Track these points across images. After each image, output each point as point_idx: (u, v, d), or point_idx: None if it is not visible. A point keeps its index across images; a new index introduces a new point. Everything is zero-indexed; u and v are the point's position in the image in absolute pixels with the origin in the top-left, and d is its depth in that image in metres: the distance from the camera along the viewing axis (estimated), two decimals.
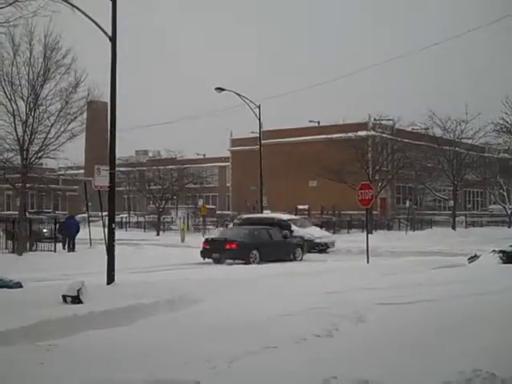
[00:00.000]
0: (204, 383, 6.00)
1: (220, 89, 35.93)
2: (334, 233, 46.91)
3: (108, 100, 13.65)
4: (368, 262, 20.67)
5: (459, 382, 5.83)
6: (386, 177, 47.83)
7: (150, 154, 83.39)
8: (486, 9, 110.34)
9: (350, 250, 30.14)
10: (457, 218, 48.57)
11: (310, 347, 7.53)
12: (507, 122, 39.79)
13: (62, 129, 25.51)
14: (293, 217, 34.28)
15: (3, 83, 24.58)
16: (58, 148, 26.05)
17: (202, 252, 24.01)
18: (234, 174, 66.15)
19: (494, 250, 19.98)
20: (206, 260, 23.65)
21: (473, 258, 20.03)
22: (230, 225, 46.36)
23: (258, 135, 39.41)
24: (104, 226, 18.07)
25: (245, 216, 33.97)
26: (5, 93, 24.63)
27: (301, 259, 25.29)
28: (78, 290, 10.82)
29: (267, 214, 35.30)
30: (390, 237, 40.00)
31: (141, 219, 56.95)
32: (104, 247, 14.38)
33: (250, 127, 48.82)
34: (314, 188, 54.50)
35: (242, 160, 61.67)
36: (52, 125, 25.32)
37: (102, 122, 56.10)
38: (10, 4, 12.74)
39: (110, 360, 7.00)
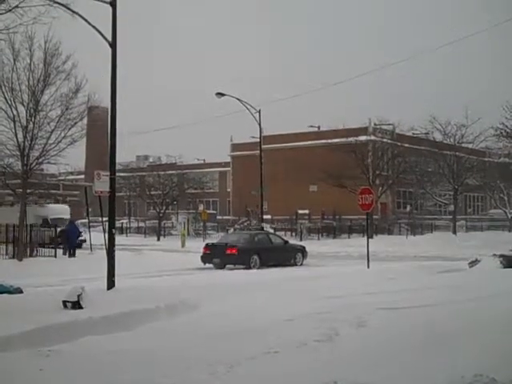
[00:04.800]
0: None
1: (220, 94, 35.89)
2: (334, 237, 47.15)
3: (108, 105, 13.67)
4: (368, 266, 20.65)
5: None
6: (386, 181, 47.83)
7: (151, 160, 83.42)
8: (486, 13, 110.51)
9: (350, 255, 30.15)
10: (457, 223, 48.54)
11: (310, 352, 7.52)
12: (507, 126, 39.83)
13: (63, 134, 25.50)
14: None
15: (3, 89, 24.58)
16: (59, 153, 26.04)
17: (202, 257, 23.98)
18: (235, 179, 66.15)
19: (494, 255, 19.99)
20: (207, 265, 23.63)
21: (473, 263, 20.01)
22: (231, 230, 46.44)
23: (258, 140, 39.36)
24: (104, 231, 18.06)
25: None
26: (5, 98, 24.63)
27: (301, 264, 25.25)
28: (79, 296, 10.81)
29: None
30: (390, 241, 39.97)
31: (141, 224, 57.00)
32: (104, 252, 14.35)
33: (251, 132, 48.82)
34: (315, 193, 54.47)
35: (242, 165, 61.67)
36: (52, 130, 25.31)
37: (102, 128, 56.03)
38: (10, 10, 12.75)
39: (111, 366, 6.98)
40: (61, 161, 27.55)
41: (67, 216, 38.50)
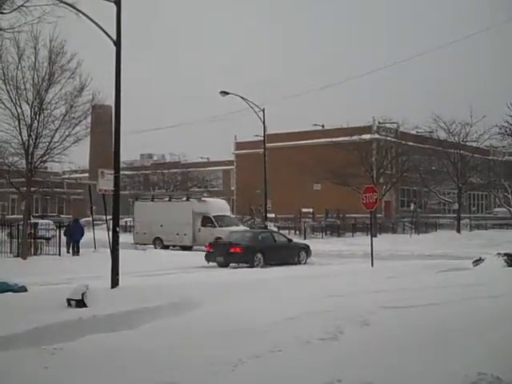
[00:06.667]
0: None
1: (224, 92, 35.90)
2: (338, 236, 47.12)
3: (112, 104, 13.69)
4: (373, 265, 20.64)
5: None
6: (390, 180, 47.82)
7: (155, 158, 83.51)
8: (491, 11, 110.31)
9: (354, 253, 30.13)
10: (461, 221, 48.49)
11: (314, 350, 7.51)
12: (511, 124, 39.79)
13: (67, 133, 25.61)
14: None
15: (8, 87, 24.67)
16: (63, 152, 26.17)
17: (206, 255, 24.00)
18: (239, 178, 66.17)
19: (498, 253, 19.96)
20: (211, 263, 23.64)
21: (478, 262, 19.99)
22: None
23: (262, 138, 39.36)
24: (108, 229, 18.09)
25: None
26: (10, 97, 24.72)
27: (305, 262, 25.25)
28: (83, 294, 10.85)
29: None
30: (394, 240, 39.95)
31: None
32: (108, 251, 14.38)
33: (254, 131, 48.77)
34: (319, 191, 54.48)
35: (246, 163, 61.71)
36: (57, 129, 25.42)
37: (106, 126, 56.12)
38: (15, 9, 12.79)
39: (114, 364, 6.99)
40: (65, 159, 27.73)
41: (228, 213, 34.61)
